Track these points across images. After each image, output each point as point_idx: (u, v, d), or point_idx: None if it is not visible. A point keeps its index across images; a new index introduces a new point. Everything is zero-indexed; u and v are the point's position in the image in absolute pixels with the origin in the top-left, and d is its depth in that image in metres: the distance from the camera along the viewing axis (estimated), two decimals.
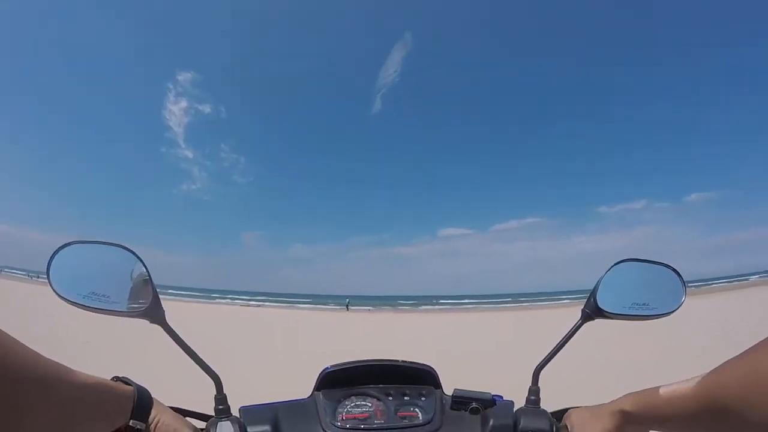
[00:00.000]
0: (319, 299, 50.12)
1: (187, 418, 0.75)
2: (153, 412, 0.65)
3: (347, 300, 39.31)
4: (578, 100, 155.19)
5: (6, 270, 56.17)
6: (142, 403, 0.61)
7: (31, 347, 0.43)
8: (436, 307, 41.76)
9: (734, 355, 0.51)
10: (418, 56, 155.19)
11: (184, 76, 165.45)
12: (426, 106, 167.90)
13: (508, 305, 39.66)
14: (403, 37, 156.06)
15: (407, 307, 41.94)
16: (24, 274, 49.42)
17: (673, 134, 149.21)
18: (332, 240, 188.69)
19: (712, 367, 0.55)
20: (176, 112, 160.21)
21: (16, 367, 0.39)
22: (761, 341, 0.47)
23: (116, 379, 0.63)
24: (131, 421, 0.58)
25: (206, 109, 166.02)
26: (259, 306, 35.90)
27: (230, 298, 46.53)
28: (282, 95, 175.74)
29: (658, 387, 0.64)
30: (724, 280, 46.06)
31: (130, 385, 0.62)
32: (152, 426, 0.65)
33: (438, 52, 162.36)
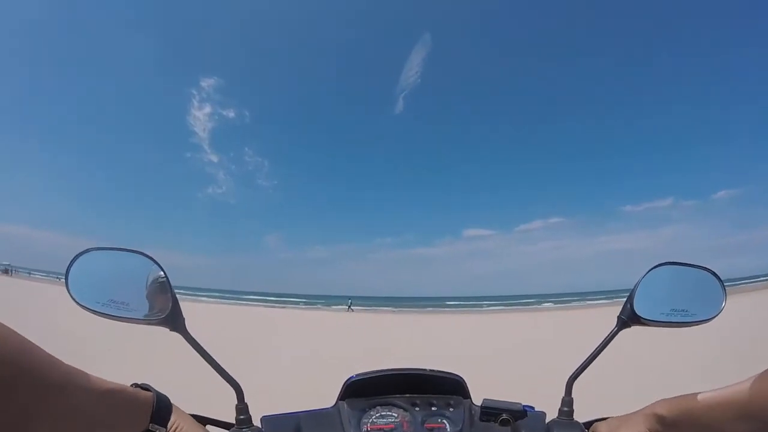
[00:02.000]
0: (333, 300, 50.25)
1: (208, 427, 0.74)
2: (172, 418, 0.65)
3: (349, 300, 38.70)
4: (603, 98, 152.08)
5: (35, 273, 58.15)
6: (161, 408, 0.61)
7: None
8: (449, 309, 40.84)
9: None
10: (438, 57, 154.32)
11: (207, 82, 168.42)
12: (448, 107, 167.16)
13: (528, 306, 38.91)
14: (423, 38, 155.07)
15: (435, 308, 41.16)
16: (54, 277, 51.08)
17: (699, 131, 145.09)
18: (355, 241, 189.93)
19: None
20: (201, 117, 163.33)
21: (37, 373, 0.40)
22: None
23: (135, 385, 0.62)
24: (150, 425, 0.58)
25: (230, 113, 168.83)
26: (274, 307, 36.24)
27: (251, 299, 47.23)
28: (305, 98, 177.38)
29: (696, 393, 0.62)
30: (755, 279, 44.51)
31: (149, 391, 0.62)
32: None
33: (458, 52, 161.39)
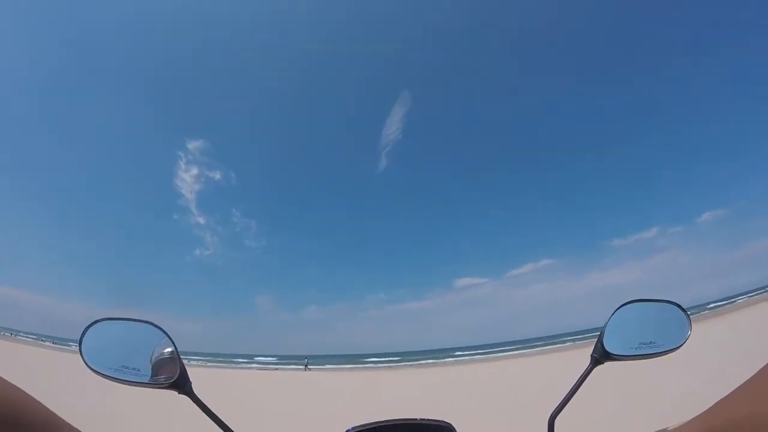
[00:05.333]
0: (315, 360, 47.23)
1: None
2: None
3: (306, 360, 36.38)
4: (578, 138, 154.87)
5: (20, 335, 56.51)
6: None
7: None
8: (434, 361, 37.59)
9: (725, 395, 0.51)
10: (417, 112, 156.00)
11: (193, 144, 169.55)
12: (430, 160, 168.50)
13: (513, 353, 36.12)
14: (402, 94, 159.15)
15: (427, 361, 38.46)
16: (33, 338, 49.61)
17: (672, 158, 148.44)
18: (347, 299, 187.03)
19: None
20: (187, 179, 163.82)
21: (26, 415, 0.43)
22: (749, 379, 0.48)
23: None
24: None
25: (216, 175, 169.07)
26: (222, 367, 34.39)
27: (239, 362, 45.86)
28: (288, 159, 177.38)
29: (667, 427, 0.64)
30: (747, 295, 44.45)
31: None
32: None
33: (437, 105, 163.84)
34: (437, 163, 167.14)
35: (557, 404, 0.86)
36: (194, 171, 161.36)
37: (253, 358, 51.95)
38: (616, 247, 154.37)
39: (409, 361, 41.28)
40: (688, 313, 0.93)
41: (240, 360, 48.58)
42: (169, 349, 0.79)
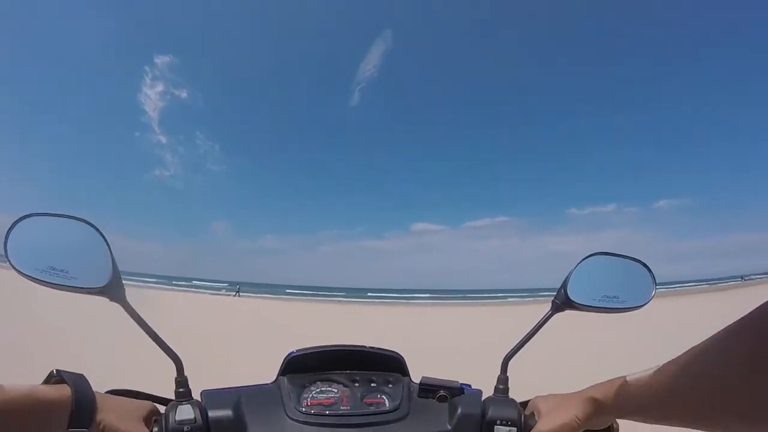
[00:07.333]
0: (262, 288, 47.78)
1: (146, 402, 0.73)
2: (98, 416, 0.59)
3: (237, 286, 38.32)
4: (555, 101, 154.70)
5: None
6: (81, 407, 0.56)
7: None
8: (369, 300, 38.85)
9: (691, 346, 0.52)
10: (397, 53, 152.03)
11: (161, 60, 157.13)
12: (403, 102, 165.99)
13: (457, 301, 38.87)
14: (383, 34, 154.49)
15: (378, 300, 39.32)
16: None
17: (643, 140, 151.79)
18: (304, 232, 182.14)
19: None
20: (152, 96, 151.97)
21: None
22: (714, 334, 0.48)
23: (55, 373, 0.58)
24: (69, 429, 0.54)
25: (183, 94, 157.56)
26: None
27: (176, 284, 44.97)
28: (260, 85, 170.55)
29: (625, 376, 0.65)
30: (691, 284, 47.74)
31: (68, 384, 0.56)
32: (98, 430, 0.59)
33: (417, 50, 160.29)
34: (411, 105, 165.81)
35: (512, 346, 0.85)
36: (160, 87, 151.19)
37: (191, 281, 51.88)
38: (572, 216, 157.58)
39: (354, 297, 42.01)
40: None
41: (177, 282, 48.17)
42: (102, 252, 0.72)
